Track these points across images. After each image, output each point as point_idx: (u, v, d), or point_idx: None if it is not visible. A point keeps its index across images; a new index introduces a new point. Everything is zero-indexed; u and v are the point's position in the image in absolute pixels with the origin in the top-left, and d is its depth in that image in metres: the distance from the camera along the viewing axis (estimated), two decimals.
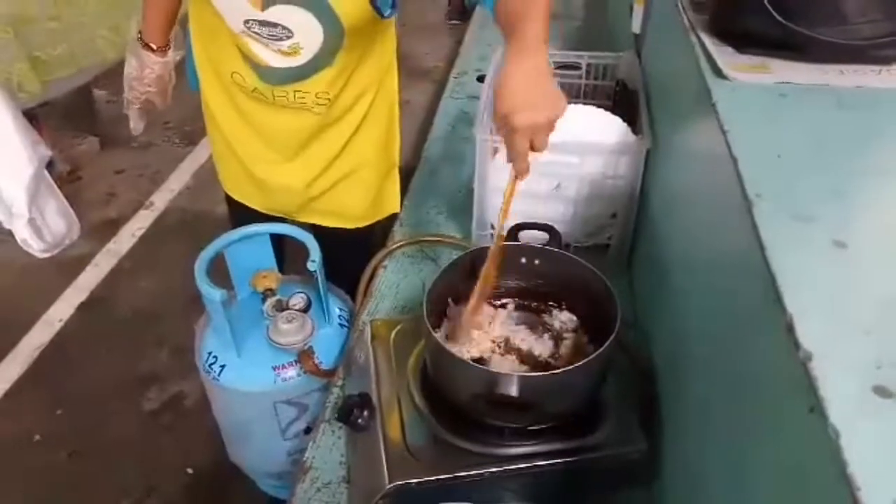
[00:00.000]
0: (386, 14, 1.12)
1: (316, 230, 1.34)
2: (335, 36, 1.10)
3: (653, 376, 0.95)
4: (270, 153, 1.31)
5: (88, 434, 1.84)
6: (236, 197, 1.44)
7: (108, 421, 1.88)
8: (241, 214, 1.41)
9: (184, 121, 3.08)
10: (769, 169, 0.66)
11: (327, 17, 1.06)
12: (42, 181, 2.33)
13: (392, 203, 1.41)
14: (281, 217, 1.40)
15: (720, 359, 0.68)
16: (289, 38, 1.09)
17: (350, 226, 1.39)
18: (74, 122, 2.99)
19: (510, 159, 0.81)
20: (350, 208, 1.38)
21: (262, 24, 1.07)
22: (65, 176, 2.76)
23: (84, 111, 3.04)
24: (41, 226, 2.35)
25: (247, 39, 1.13)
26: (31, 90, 2.29)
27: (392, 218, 1.42)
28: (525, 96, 0.78)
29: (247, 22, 1.08)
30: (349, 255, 1.29)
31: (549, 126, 0.78)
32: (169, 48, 1.31)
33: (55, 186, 2.42)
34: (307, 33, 1.09)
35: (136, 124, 1.41)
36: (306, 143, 1.28)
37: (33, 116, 2.37)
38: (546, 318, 0.98)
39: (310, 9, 1.05)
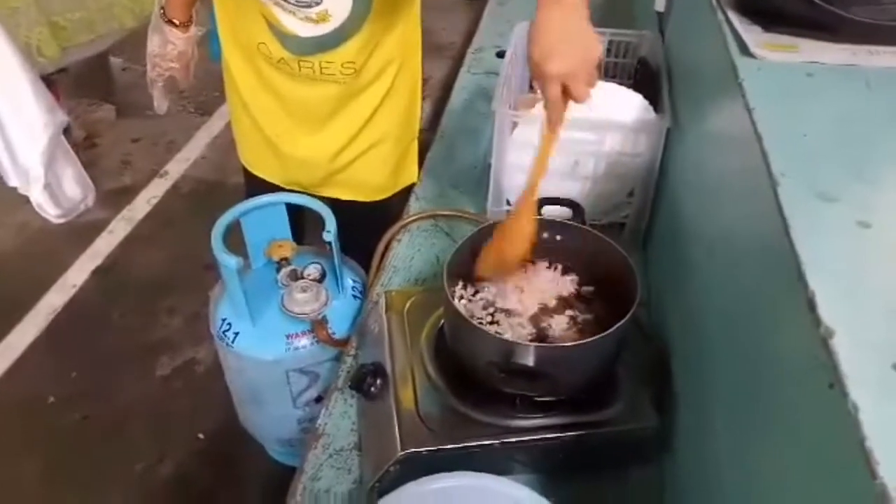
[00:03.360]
0: None
1: (333, 203, 1.34)
2: (364, 1, 1.10)
3: (667, 354, 0.95)
4: (295, 125, 1.31)
5: (101, 398, 1.87)
6: (256, 172, 1.44)
7: (120, 386, 1.91)
8: (258, 189, 1.40)
9: (199, 90, 3.07)
10: (794, 148, 0.66)
11: None
12: (59, 147, 2.34)
13: (410, 173, 1.41)
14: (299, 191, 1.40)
15: (738, 336, 0.68)
16: (318, 4, 1.08)
17: (369, 199, 1.39)
18: (90, 90, 3.00)
19: (545, 108, 0.80)
20: (371, 180, 1.38)
21: None
22: (80, 143, 2.77)
23: (100, 78, 3.04)
24: (57, 191, 2.37)
25: (273, 8, 1.12)
26: (49, 55, 2.29)
27: (408, 193, 1.42)
28: (557, 42, 0.76)
29: None
30: (366, 229, 1.29)
31: (585, 72, 0.77)
32: (192, 23, 1.29)
33: (72, 152, 2.43)
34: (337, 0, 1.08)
35: (159, 103, 1.39)
36: (331, 115, 1.28)
37: (51, 83, 2.37)
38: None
39: None
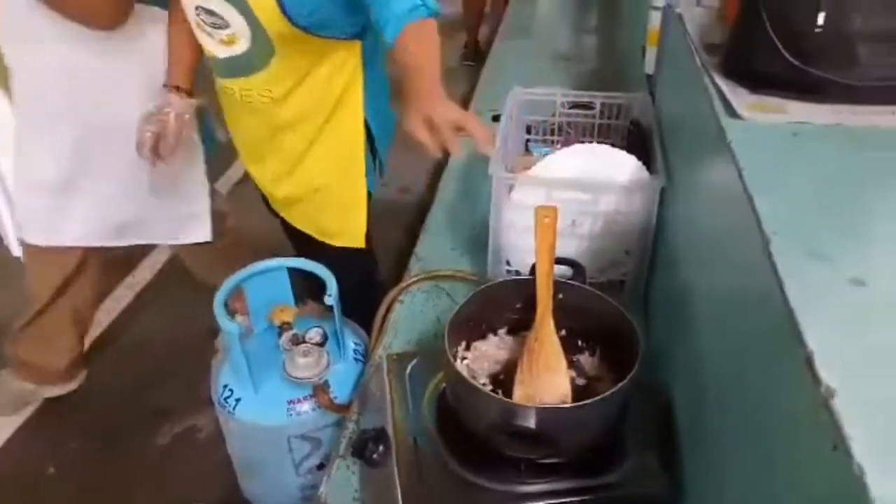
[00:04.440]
0: (316, 32, 1.18)
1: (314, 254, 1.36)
2: (260, 33, 1.18)
3: (671, 413, 0.94)
4: (241, 147, 1.46)
5: (101, 467, 1.84)
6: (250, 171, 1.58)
7: (121, 454, 1.87)
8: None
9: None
10: (785, 207, 0.67)
11: (248, 15, 1.15)
12: None
13: (357, 235, 1.45)
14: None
15: (740, 396, 0.68)
16: (227, 27, 1.18)
17: (319, 238, 1.47)
18: None
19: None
20: (315, 221, 1.47)
21: (207, 12, 1.18)
22: None
23: None
24: None
25: (197, 32, 1.24)
26: None
27: (406, 255, 1.43)
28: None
29: (196, 9, 1.19)
30: (344, 278, 1.27)
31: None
32: (190, 92, 1.39)
33: None
34: (237, 25, 1.18)
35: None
36: (263, 145, 1.39)
37: None
38: (566, 351, 0.97)
39: (233, 3, 1.14)
